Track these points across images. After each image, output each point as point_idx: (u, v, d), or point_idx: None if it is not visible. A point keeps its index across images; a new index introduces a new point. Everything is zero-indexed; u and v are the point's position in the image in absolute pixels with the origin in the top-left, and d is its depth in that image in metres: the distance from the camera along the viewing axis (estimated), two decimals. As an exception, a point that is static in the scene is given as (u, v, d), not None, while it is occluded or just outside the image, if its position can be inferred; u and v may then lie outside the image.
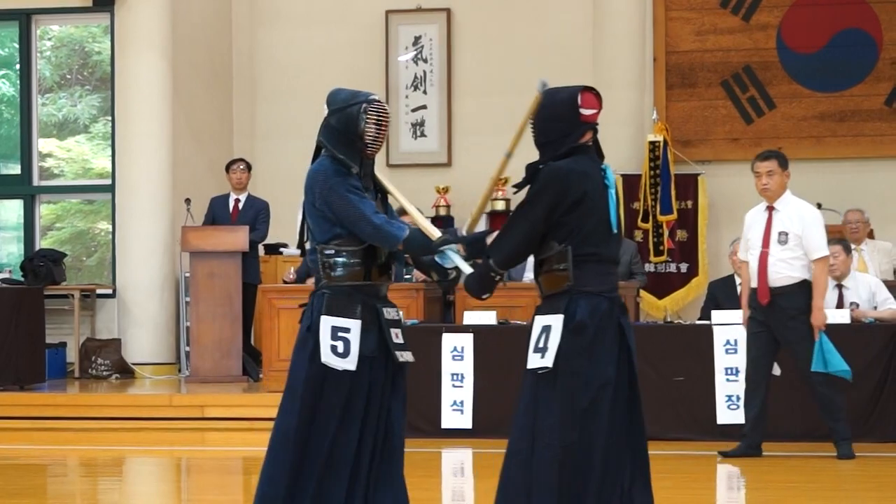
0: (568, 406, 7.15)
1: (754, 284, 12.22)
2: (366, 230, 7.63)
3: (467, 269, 7.56)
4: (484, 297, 7.77)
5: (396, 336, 7.84)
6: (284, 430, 7.76)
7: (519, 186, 7.49)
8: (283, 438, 7.76)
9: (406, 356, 7.80)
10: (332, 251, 7.71)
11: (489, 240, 7.58)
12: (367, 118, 7.74)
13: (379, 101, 7.80)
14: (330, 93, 8.03)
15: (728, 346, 13.50)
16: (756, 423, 12.29)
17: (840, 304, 13.95)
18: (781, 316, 12.09)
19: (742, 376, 12.77)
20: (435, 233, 7.73)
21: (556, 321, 7.19)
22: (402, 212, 8.19)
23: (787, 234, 12.13)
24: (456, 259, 7.55)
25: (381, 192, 7.95)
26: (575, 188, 7.22)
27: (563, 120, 7.40)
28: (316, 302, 7.73)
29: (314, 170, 7.84)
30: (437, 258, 7.64)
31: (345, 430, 7.62)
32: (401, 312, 7.99)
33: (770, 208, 12.27)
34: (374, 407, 7.71)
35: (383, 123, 7.80)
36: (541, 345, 7.22)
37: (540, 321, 7.28)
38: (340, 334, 7.60)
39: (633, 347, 7.46)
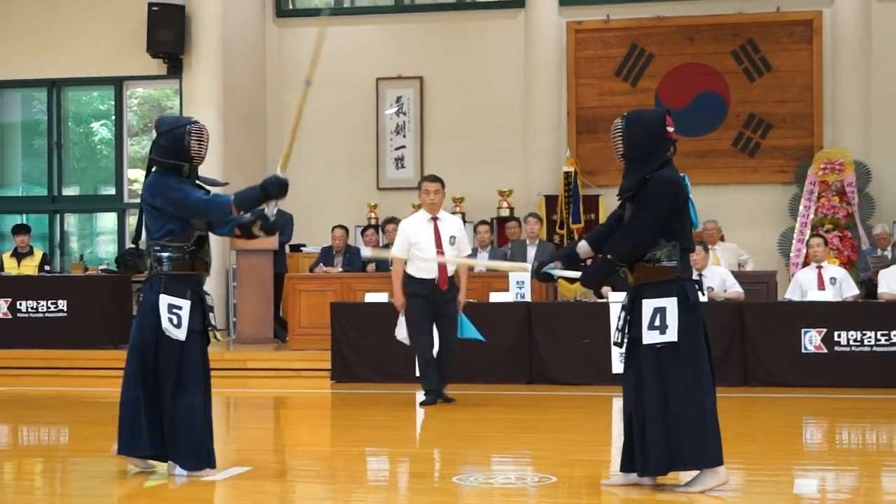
0: (691, 370, 6.87)
1: (430, 275, 11.64)
2: (200, 208, 7.49)
3: (576, 274, 7.38)
4: (602, 289, 7.66)
5: (213, 318, 7.79)
6: (148, 390, 7.59)
7: (624, 194, 7.12)
8: (133, 397, 7.61)
9: (218, 334, 7.78)
10: (164, 245, 7.53)
11: (581, 251, 7.28)
12: (191, 137, 7.58)
13: (199, 123, 7.69)
14: (157, 120, 7.95)
15: (620, 318, 13.47)
16: (441, 375, 11.96)
17: (700, 289, 13.94)
18: (444, 297, 11.74)
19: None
20: (527, 266, 7.64)
21: (669, 303, 6.87)
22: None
23: (454, 237, 11.82)
24: (561, 272, 7.39)
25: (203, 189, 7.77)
26: (682, 193, 7.05)
27: (652, 136, 7.04)
28: (154, 285, 7.52)
29: (151, 181, 7.60)
30: (540, 279, 7.46)
31: (185, 387, 7.52)
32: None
33: (434, 219, 11.80)
34: (206, 367, 7.71)
35: (203, 140, 7.67)
36: (657, 323, 6.86)
37: (650, 304, 6.90)
38: (174, 310, 7.46)
39: None
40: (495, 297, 14.20)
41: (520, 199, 19.25)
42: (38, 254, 17.69)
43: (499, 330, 13.77)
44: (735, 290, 14.06)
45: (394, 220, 17.10)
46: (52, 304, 16.42)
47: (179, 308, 7.47)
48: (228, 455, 9.18)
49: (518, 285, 14.37)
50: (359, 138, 20.35)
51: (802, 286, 14.22)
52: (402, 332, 11.95)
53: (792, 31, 19.19)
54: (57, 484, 7.68)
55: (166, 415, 7.47)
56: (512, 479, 7.59)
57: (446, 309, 11.79)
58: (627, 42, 19.64)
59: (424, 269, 11.70)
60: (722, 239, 16.37)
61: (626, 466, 7.14)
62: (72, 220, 20.81)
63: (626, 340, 7.12)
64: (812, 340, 13.27)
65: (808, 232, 17.56)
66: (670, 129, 7.10)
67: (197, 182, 7.78)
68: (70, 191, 20.47)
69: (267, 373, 14.85)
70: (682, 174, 7.17)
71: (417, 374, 12.19)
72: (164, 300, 7.45)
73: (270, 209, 7.62)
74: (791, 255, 18.04)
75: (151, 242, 7.56)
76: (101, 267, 18.36)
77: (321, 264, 16.60)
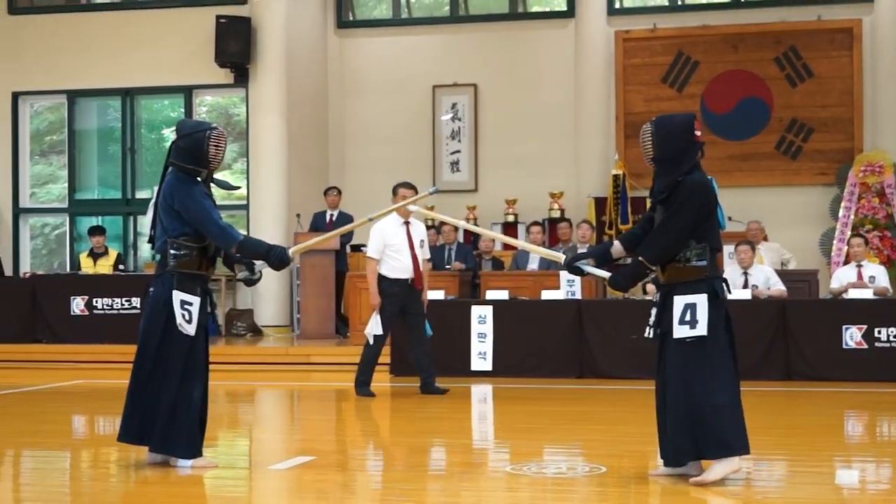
0: (716, 363, 6.81)
1: (406, 275, 11.85)
2: (212, 230, 7.46)
3: (605, 274, 7.34)
4: (648, 288, 7.59)
5: (219, 318, 7.81)
6: (139, 378, 7.56)
7: (656, 196, 7.03)
8: (138, 382, 7.55)
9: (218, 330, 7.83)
10: (179, 244, 7.49)
11: (615, 251, 7.27)
12: (210, 142, 7.52)
13: (218, 129, 7.63)
14: (178, 123, 7.83)
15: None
16: (426, 367, 12.17)
17: (745, 286, 13.94)
18: (414, 295, 11.95)
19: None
20: (561, 257, 7.60)
21: (700, 299, 6.79)
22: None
23: (423, 241, 12.05)
24: (592, 269, 7.36)
25: (213, 201, 7.69)
26: (712, 197, 6.92)
27: (681, 140, 6.98)
28: (166, 281, 7.50)
29: (172, 182, 7.55)
30: (570, 271, 7.46)
31: (188, 379, 7.50)
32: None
33: (406, 223, 11.95)
34: (206, 362, 7.70)
35: (221, 146, 7.60)
36: (687, 318, 6.81)
37: (681, 300, 6.84)
38: (186, 306, 7.46)
39: None
40: (547, 295, 14.21)
41: (570, 201, 19.22)
42: (113, 254, 17.81)
43: (550, 326, 13.79)
44: (778, 287, 14.01)
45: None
46: (125, 301, 16.55)
47: (191, 304, 7.50)
48: (293, 445, 9.24)
49: (569, 283, 14.43)
50: (416, 143, 20.37)
51: (842, 283, 14.16)
52: (375, 329, 11.98)
53: (833, 38, 19.06)
54: (131, 472, 7.74)
55: (166, 405, 7.47)
56: (563, 469, 7.59)
57: (414, 306, 12.04)
58: (674, 50, 19.57)
59: (399, 269, 11.92)
60: (765, 239, 16.29)
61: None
62: (144, 222, 20.94)
63: (656, 335, 7.09)
64: (853, 336, 13.18)
65: (849, 232, 17.42)
66: (698, 133, 7.05)
67: (213, 182, 7.77)
68: (143, 194, 20.58)
69: (329, 367, 14.90)
70: (710, 177, 7.07)
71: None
72: (178, 296, 7.47)
73: (259, 266, 7.78)
74: (832, 254, 17.92)
75: (168, 240, 7.55)
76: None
77: (381, 264, 16.64)
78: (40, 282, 17.10)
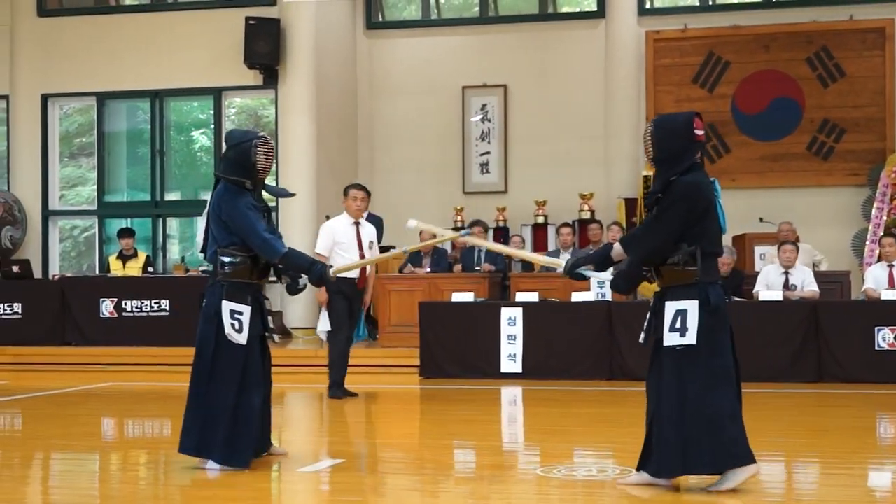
0: (711, 372, 6.60)
1: (352, 275, 11.83)
2: (256, 242, 7.51)
3: (608, 276, 7.30)
4: (630, 292, 7.49)
5: (271, 323, 7.85)
6: (197, 388, 7.61)
7: (650, 196, 6.85)
8: (197, 393, 7.61)
9: (275, 338, 7.87)
10: (229, 253, 7.56)
11: (615, 254, 6.98)
12: (258, 151, 7.55)
13: (266, 138, 7.65)
14: (227, 133, 7.92)
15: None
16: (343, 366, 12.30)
17: (786, 285, 13.93)
18: (359, 295, 12.07)
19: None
20: (560, 263, 7.52)
21: (691, 306, 6.62)
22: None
23: (372, 242, 12.15)
24: (592, 274, 7.23)
25: (266, 210, 7.75)
26: (704, 198, 6.70)
27: (681, 138, 6.74)
28: (216, 291, 7.58)
29: (220, 193, 7.61)
30: (572, 278, 7.31)
31: (245, 388, 7.56)
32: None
33: (356, 223, 12.06)
34: (263, 369, 7.76)
35: (270, 154, 7.64)
36: (678, 325, 6.64)
37: (672, 306, 6.68)
38: (236, 316, 7.51)
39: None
40: (577, 297, 14.19)
41: (600, 202, 19.19)
42: (142, 256, 17.87)
43: (580, 328, 13.78)
44: (811, 288, 13.97)
45: (479, 223, 17.17)
46: (155, 303, 16.61)
47: (241, 314, 7.55)
48: (323, 447, 9.25)
49: (599, 285, 14.37)
50: (446, 144, 20.38)
51: (877, 281, 14.13)
52: (324, 326, 12.12)
53: (864, 38, 19.00)
54: (160, 474, 7.77)
55: (227, 417, 7.50)
56: (594, 472, 7.57)
57: (356, 307, 12.16)
58: (704, 50, 19.53)
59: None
60: (797, 240, 16.22)
61: (643, 465, 6.97)
62: (173, 224, 21.02)
63: (650, 342, 6.92)
64: (885, 338, 13.13)
65: (881, 233, 17.34)
66: (699, 132, 6.80)
67: (265, 189, 7.79)
68: (172, 196, 20.68)
69: (358, 369, 14.85)
70: (712, 179, 6.87)
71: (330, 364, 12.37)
72: (227, 306, 7.52)
73: (305, 280, 7.92)
74: (864, 255, 17.84)
75: (218, 249, 7.61)
76: (201, 268, 18.50)
77: (410, 265, 16.62)
78: (69, 284, 17.18)
